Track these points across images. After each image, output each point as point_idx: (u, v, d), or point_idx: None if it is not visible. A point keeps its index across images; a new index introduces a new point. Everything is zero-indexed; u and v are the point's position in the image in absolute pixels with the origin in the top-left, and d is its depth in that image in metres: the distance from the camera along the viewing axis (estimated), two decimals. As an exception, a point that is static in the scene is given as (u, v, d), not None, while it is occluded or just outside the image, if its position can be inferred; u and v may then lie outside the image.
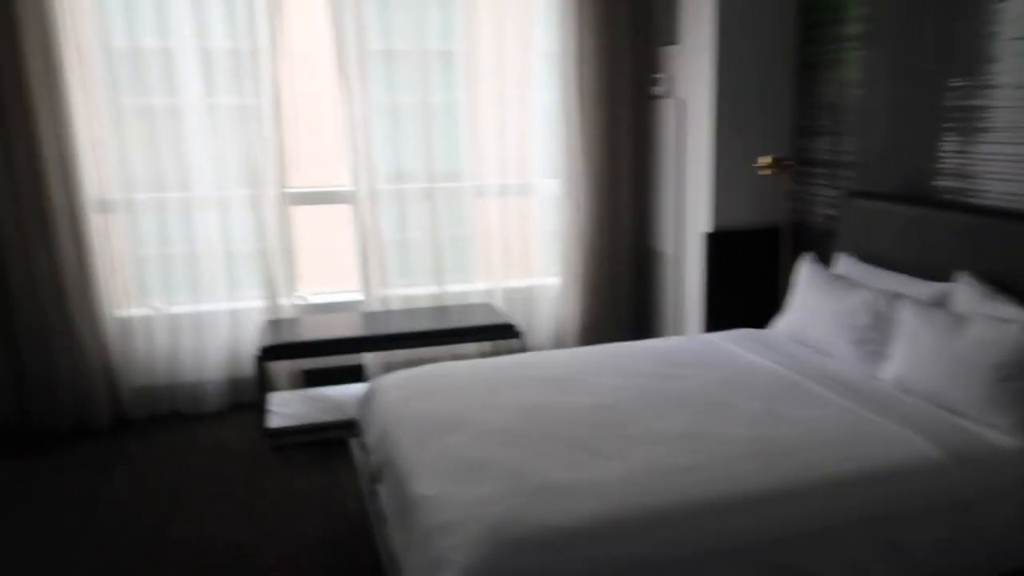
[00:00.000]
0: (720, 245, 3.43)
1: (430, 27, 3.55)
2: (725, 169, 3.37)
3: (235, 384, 3.55)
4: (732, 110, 3.32)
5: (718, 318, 3.42)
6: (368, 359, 3.68)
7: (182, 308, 3.47)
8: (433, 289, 3.76)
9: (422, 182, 3.66)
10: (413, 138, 3.62)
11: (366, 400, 2.49)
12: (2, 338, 3.16)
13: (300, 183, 3.64)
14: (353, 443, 2.67)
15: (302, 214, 3.66)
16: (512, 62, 3.66)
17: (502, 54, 3.63)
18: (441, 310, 3.62)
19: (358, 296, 3.73)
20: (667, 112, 3.64)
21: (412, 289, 3.75)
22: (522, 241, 3.91)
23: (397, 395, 2.32)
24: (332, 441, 3.11)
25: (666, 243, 3.75)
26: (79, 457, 3.08)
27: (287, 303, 3.57)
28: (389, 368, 3.67)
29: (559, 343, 3.91)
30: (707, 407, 2.11)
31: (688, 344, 2.69)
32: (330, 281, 3.94)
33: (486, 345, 3.75)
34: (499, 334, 3.41)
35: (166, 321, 3.44)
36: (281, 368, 3.57)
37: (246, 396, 3.54)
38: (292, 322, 3.44)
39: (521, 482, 1.73)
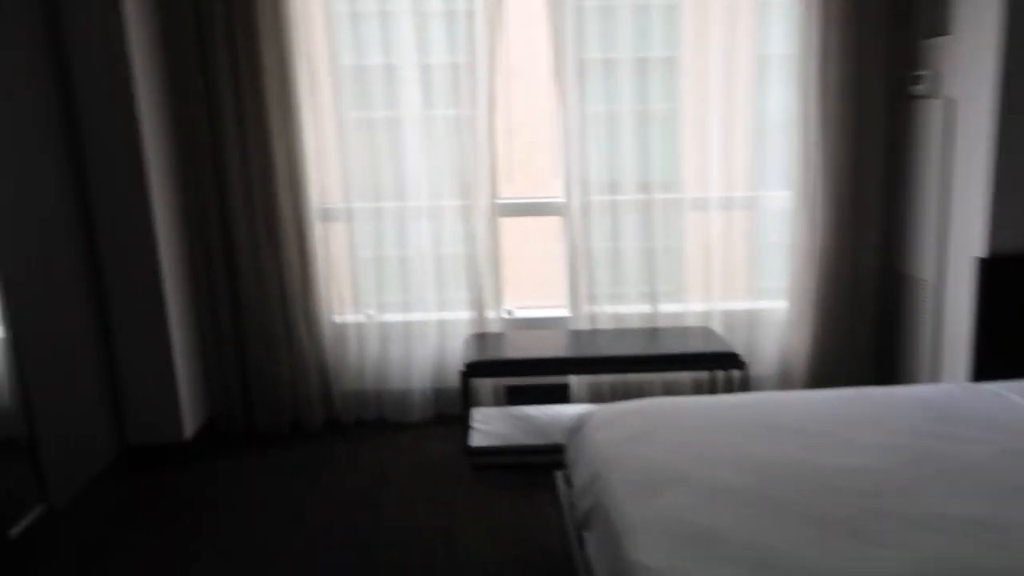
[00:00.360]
0: (998, 273, 2.85)
1: (651, 34, 3.29)
2: (1008, 182, 2.80)
3: (439, 395, 3.51)
4: (1021, 111, 2.75)
5: (992, 362, 2.84)
6: (574, 379, 3.49)
7: (393, 316, 3.48)
8: (645, 308, 3.49)
9: (637, 194, 3.41)
10: (629, 148, 3.37)
11: (575, 433, 2.28)
12: (232, 339, 3.32)
13: (511, 194, 3.54)
14: (558, 476, 2.47)
15: (511, 226, 3.55)
16: (738, 66, 3.31)
17: (727, 58, 3.29)
18: (654, 332, 3.34)
19: (565, 312, 3.56)
20: (931, 114, 3.11)
21: (622, 307, 3.50)
22: (745, 259, 3.53)
23: (610, 434, 2.09)
24: (534, 466, 2.95)
25: (922, 267, 3.20)
26: (293, 459, 3.16)
27: (493, 316, 3.47)
28: (596, 392, 3.47)
29: (784, 376, 3.48)
30: (1007, 485, 1.67)
31: (964, 395, 2.20)
32: (537, 296, 3.80)
33: (702, 374, 3.42)
34: (719, 363, 3.08)
35: (377, 329, 3.47)
36: (485, 383, 3.47)
37: (449, 408, 3.49)
38: (498, 337, 3.33)
39: (766, 565, 1.43)
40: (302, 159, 3.26)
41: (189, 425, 3.20)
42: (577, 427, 2.28)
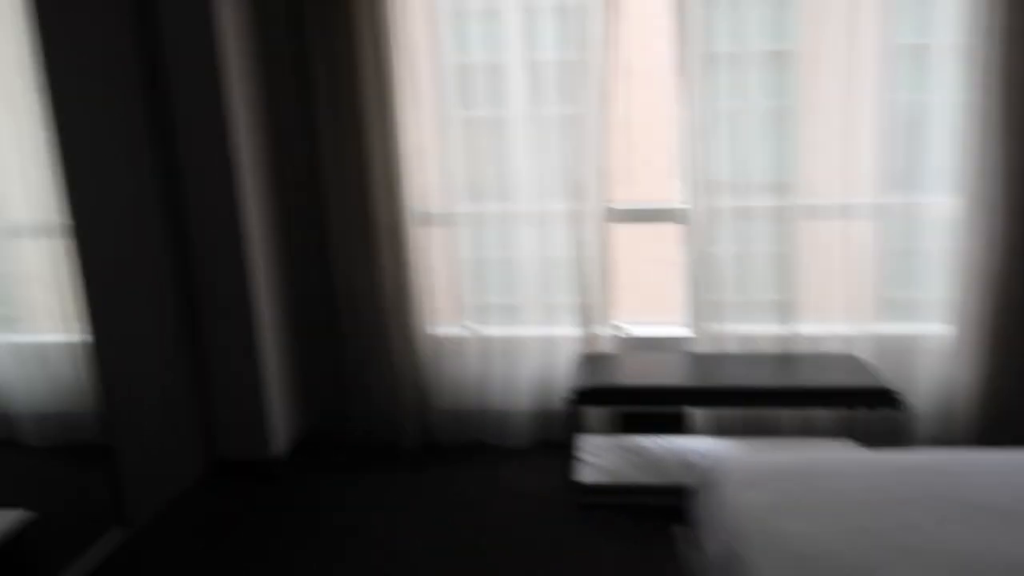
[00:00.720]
0: None
1: (786, 24, 2.86)
2: None
3: (543, 418, 3.20)
4: None
5: None
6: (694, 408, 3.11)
7: (494, 330, 3.20)
8: (778, 329, 3.06)
9: (769, 199, 2.99)
10: (760, 148, 2.95)
11: (705, 489, 1.92)
12: (326, 351, 3.13)
13: (624, 198, 3.18)
14: (679, 532, 2.12)
15: (624, 233, 3.19)
16: (885, 56, 2.83)
17: (872, 48, 2.81)
18: (789, 359, 2.92)
19: (684, 331, 3.18)
20: None
21: (751, 327, 3.09)
22: (899, 276, 3.04)
23: (751, 499, 1.72)
24: (649, 508, 2.60)
25: None
26: (386, 481, 2.93)
27: (604, 332, 3.13)
28: (720, 422, 3.08)
29: (947, 418, 2.97)
30: None
31: None
32: (652, 310, 3.43)
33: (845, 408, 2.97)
34: (869, 400, 2.63)
35: (477, 343, 3.19)
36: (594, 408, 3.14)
37: (554, 433, 3.18)
38: (608, 360, 2.99)
39: None
40: (400, 159, 3.02)
41: (279, 440, 3.03)
42: (707, 482, 1.92)
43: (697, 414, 3.11)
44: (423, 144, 3.07)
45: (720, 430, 3.08)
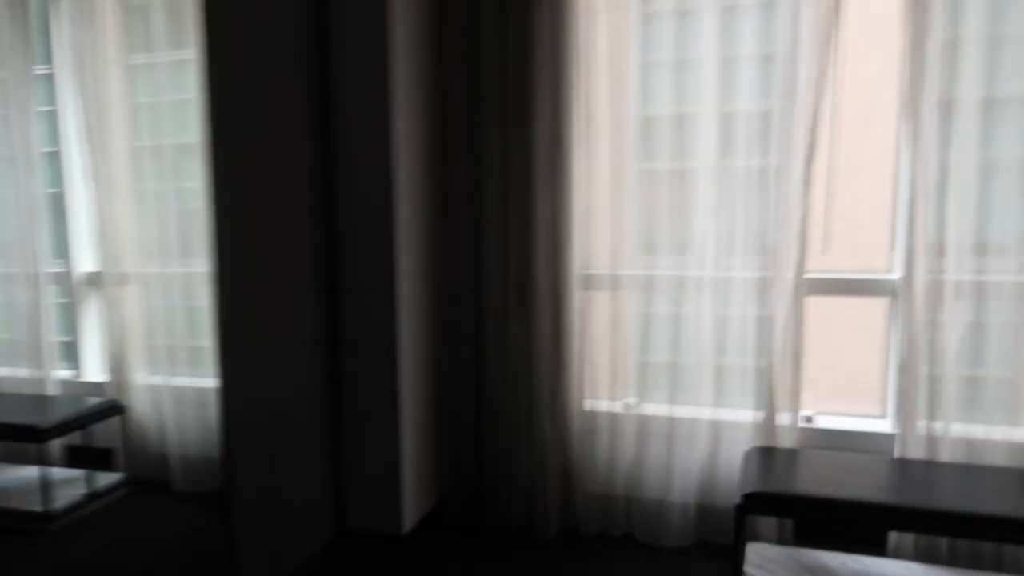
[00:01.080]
0: None
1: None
2: None
3: (705, 514, 2.79)
4: None
5: None
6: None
7: (656, 409, 2.85)
8: (1016, 434, 2.46)
9: (1012, 274, 2.42)
10: (1003, 208, 2.41)
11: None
12: (468, 419, 2.94)
13: (824, 266, 2.74)
14: None
15: (820, 305, 2.74)
16: None
17: None
18: (1029, 481, 2.31)
19: (887, 427, 2.65)
20: None
21: (978, 429, 2.51)
22: None
23: None
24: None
25: None
26: (519, 569, 2.65)
27: (787, 421, 2.68)
28: (929, 549, 2.51)
29: None
30: None
31: None
32: (847, 398, 2.92)
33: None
34: None
35: (636, 422, 2.86)
36: (768, 509, 2.69)
37: (716, 534, 2.76)
38: (790, 457, 2.54)
39: None
40: (569, 216, 2.80)
41: (411, 514, 2.86)
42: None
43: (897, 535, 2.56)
44: (594, 199, 2.83)
45: (928, 555, 2.51)
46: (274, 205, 2.51)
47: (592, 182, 2.83)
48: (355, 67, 2.67)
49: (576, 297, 2.85)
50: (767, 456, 2.54)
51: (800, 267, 2.62)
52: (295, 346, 2.62)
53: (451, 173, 2.88)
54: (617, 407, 2.87)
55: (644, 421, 2.84)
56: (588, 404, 2.89)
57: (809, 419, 2.77)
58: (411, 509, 2.87)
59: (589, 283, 2.87)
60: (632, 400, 2.87)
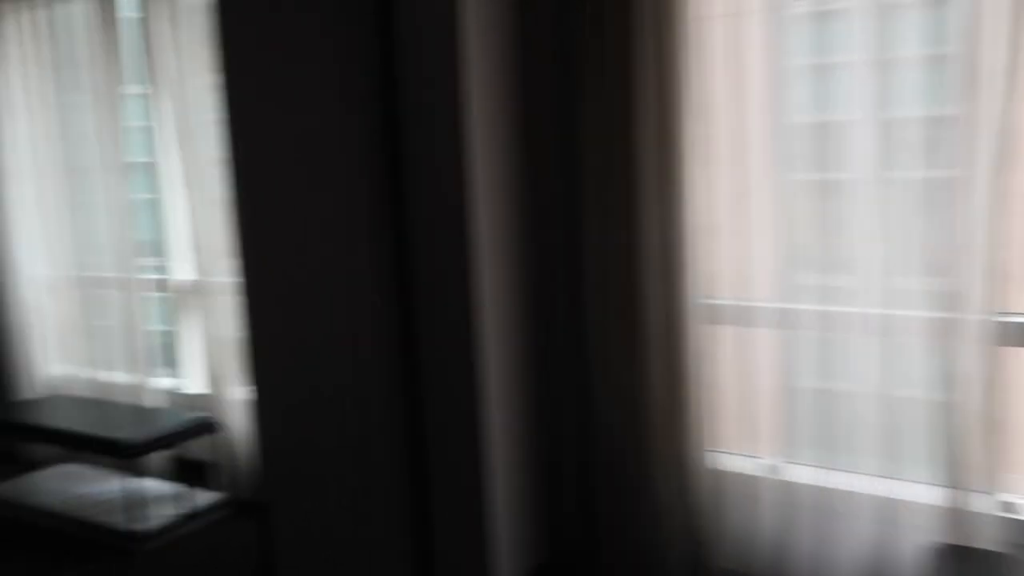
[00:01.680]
0: None
1: None
2: None
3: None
4: None
5: None
6: None
7: (805, 473, 2.29)
8: None
9: None
10: None
11: None
12: (575, 477, 2.50)
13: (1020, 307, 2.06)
14: None
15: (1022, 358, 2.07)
16: None
17: None
18: None
19: None
20: None
21: None
22: None
23: None
24: None
25: None
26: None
27: (983, 507, 2.05)
28: None
29: None
30: None
31: None
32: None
33: None
34: None
35: (778, 488, 2.31)
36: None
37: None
38: (988, 563, 1.90)
39: None
40: (684, 238, 2.27)
41: (505, 576, 2.48)
42: None
43: None
44: (715, 217, 2.29)
45: None
46: (342, 252, 2.18)
47: (712, 198, 2.28)
48: (425, 60, 2.28)
49: (696, 333, 2.32)
50: (957, 560, 1.92)
51: (991, 306, 1.97)
52: (368, 397, 2.30)
53: (542, 199, 2.45)
54: (753, 466, 2.34)
55: (789, 488, 2.30)
56: (716, 461, 2.38)
57: (1013, 506, 2.10)
58: (504, 573, 2.50)
59: (713, 316, 2.34)
60: (771, 458, 2.33)
